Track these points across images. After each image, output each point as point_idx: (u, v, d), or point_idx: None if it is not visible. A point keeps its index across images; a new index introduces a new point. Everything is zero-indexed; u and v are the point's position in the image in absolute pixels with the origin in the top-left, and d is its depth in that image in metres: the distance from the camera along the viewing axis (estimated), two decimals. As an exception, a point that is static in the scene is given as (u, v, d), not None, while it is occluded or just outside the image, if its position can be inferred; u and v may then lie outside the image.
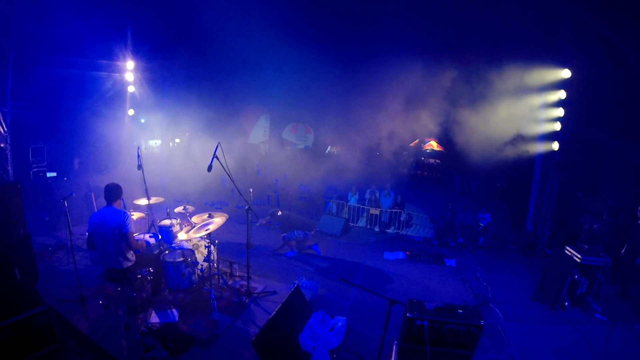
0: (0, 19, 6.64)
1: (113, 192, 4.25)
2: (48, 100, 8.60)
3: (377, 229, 9.44)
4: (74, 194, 6.40)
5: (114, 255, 4.17)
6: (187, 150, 10.67)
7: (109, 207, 4.23)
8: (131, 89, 9.80)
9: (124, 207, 5.22)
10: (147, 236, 5.51)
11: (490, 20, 7.30)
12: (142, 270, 5.02)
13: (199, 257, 5.51)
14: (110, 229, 4.09)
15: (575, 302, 5.28)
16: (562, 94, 7.55)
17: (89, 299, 4.74)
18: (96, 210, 4.97)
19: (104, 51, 8.46)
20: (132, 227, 4.31)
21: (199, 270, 5.36)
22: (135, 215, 5.76)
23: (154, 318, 4.52)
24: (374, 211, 9.68)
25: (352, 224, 9.60)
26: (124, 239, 4.18)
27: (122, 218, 4.14)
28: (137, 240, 4.59)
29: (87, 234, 4.34)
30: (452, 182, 16.97)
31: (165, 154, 12.28)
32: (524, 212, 9.20)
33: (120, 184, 4.37)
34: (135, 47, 9.05)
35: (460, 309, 3.35)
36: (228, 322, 4.53)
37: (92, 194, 7.70)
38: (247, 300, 5.05)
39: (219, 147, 4.56)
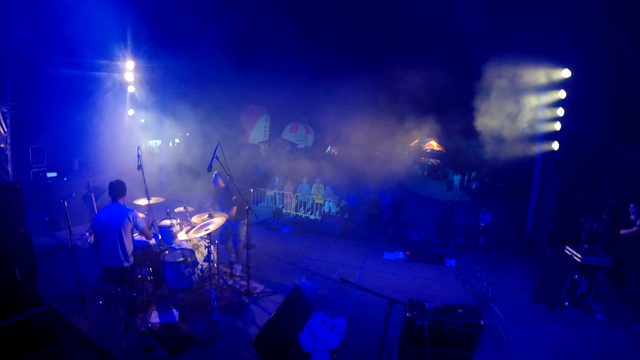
0: (1, 19, 6.64)
1: (117, 188, 4.29)
2: (48, 100, 8.60)
3: (377, 229, 9.43)
4: (74, 194, 6.40)
5: (116, 252, 4.17)
6: (187, 150, 10.68)
7: (115, 204, 4.28)
8: (131, 89, 9.80)
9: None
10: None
11: (490, 21, 7.30)
12: (142, 270, 5.02)
13: (199, 257, 5.51)
14: (115, 226, 4.11)
15: (575, 302, 5.27)
16: (562, 94, 7.56)
17: (89, 299, 4.74)
18: (96, 211, 4.98)
19: (104, 51, 8.44)
20: (143, 223, 4.40)
21: (199, 270, 5.35)
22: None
23: (154, 318, 4.52)
24: (374, 211, 9.68)
25: (352, 224, 9.59)
26: (129, 236, 4.22)
27: (127, 214, 4.18)
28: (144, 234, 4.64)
29: (87, 234, 4.34)
30: (452, 182, 17.02)
31: (165, 154, 12.28)
32: (524, 212, 9.20)
33: None
34: (134, 47, 9.04)
35: (460, 309, 3.35)
36: (228, 322, 4.52)
37: (92, 194, 7.68)
38: (247, 300, 5.05)
39: (219, 147, 4.56)
